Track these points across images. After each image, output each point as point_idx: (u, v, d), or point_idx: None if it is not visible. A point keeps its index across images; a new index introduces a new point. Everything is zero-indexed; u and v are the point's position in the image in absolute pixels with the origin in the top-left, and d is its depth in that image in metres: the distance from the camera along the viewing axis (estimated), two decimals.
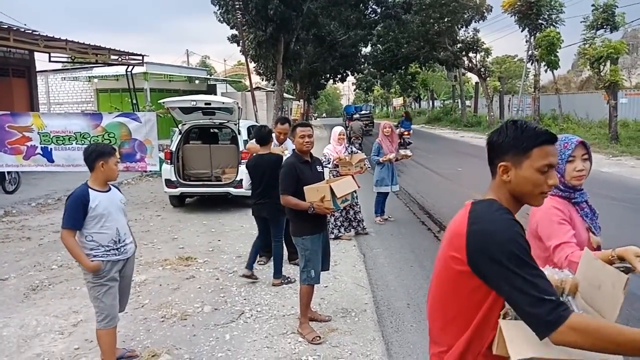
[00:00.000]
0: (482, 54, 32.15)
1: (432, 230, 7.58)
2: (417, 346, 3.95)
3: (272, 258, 5.43)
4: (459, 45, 32.53)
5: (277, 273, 5.31)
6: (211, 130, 10.51)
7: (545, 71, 24.23)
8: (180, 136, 9.23)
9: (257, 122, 15.36)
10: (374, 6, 27.57)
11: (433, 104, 55.02)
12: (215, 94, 24.86)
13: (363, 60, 40.20)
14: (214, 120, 9.25)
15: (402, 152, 8.08)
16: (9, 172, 10.19)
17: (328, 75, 41.15)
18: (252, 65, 27.55)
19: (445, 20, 31.44)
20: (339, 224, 7.19)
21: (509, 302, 1.45)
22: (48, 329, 4.30)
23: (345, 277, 5.54)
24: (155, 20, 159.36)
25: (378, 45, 37.23)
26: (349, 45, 33.24)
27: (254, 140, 5.71)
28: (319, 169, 4.44)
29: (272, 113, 24.59)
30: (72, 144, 9.50)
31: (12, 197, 10.21)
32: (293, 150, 4.42)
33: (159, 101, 9.54)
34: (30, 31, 11.22)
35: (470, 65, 32.46)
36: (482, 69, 31.49)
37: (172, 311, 4.64)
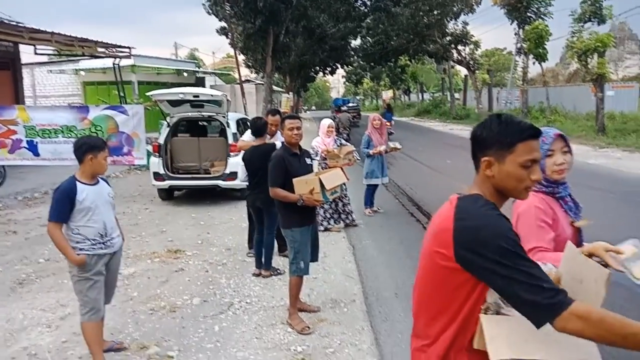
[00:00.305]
0: (471, 46, 32.28)
1: (420, 222, 7.63)
2: (405, 335, 3.98)
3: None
4: (448, 38, 32.58)
5: (267, 264, 5.32)
6: (200, 123, 10.46)
7: (534, 64, 24.42)
8: (168, 129, 9.16)
9: (246, 114, 15.31)
10: None
11: (422, 96, 55.12)
12: (204, 87, 24.69)
13: (353, 52, 40.12)
14: (203, 113, 9.20)
15: (391, 144, 8.09)
16: None
17: (318, 67, 41.05)
18: (241, 57, 27.42)
19: (435, 12, 31.43)
20: (329, 216, 7.20)
21: (504, 296, 1.43)
22: (35, 322, 4.27)
23: (334, 268, 5.56)
24: (143, 13, 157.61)
25: (367, 37, 37.18)
26: (339, 38, 33.15)
27: (245, 135, 5.70)
28: (308, 161, 4.44)
29: (261, 106, 24.51)
30: (58, 137, 9.40)
31: None
32: (282, 142, 4.41)
33: (146, 94, 9.45)
34: (14, 23, 11.06)
35: (459, 58, 32.56)
36: (471, 62, 31.61)
37: (161, 304, 4.63)
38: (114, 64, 13.32)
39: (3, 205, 9.22)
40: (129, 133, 9.49)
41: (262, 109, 23.47)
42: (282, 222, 4.23)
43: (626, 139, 16.42)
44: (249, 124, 7.60)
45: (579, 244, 2.18)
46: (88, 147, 3.40)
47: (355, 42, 39.28)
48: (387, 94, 53.90)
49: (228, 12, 20.16)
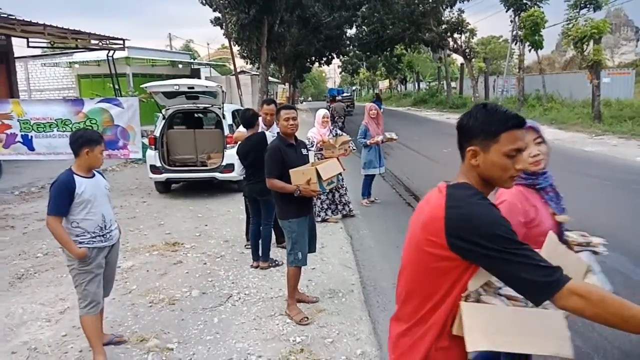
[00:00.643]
0: (467, 34, 32.06)
1: None
2: None
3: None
4: (444, 26, 32.38)
5: (265, 256, 5.34)
6: (195, 115, 10.41)
7: (530, 51, 24.33)
8: (164, 121, 9.12)
9: (242, 106, 15.24)
10: None
11: (419, 85, 54.98)
12: (199, 78, 24.57)
13: (348, 42, 39.97)
14: (198, 105, 9.15)
15: (387, 134, 8.08)
16: None
17: (313, 57, 40.85)
18: (236, 48, 27.23)
19: (430, 0, 31.25)
20: (326, 206, 7.22)
21: (502, 279, 1.45)
22: (35, 316, 4.28)
23: (332, 259, 5.58)
24: (136, 4, 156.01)
25: (363, 26, 36.97)
26: (334, 27, 33.00)
27: (241, 127, 5.67)
28: (304, 151, 4.43)
29: (257, 97, 24.43)
30: (53, 131, 9.35)
31: None
32: (278, 133, 4.39)
33: (141, 86, 9.40)
34: (6, 15, 10.95)
35: (455, 46, 32.39)
36: (467, 50, 31.44)
37: (160, 296, 4.64)
38: (108, 56, 13.22)
39: (0, 200, 9.20)
40: (124, 126, 9.45)
41: (257, 100, 23.40)
42: (279, 213, 4.24)
43: (622, 126, 16.43)
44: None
45: (560, 234, 2.21)
46: (84, 140, 3.39)
47: (351, 32, 39.17)
48: (383, 84, 53.78)
49: (222, 1, 19.98)
